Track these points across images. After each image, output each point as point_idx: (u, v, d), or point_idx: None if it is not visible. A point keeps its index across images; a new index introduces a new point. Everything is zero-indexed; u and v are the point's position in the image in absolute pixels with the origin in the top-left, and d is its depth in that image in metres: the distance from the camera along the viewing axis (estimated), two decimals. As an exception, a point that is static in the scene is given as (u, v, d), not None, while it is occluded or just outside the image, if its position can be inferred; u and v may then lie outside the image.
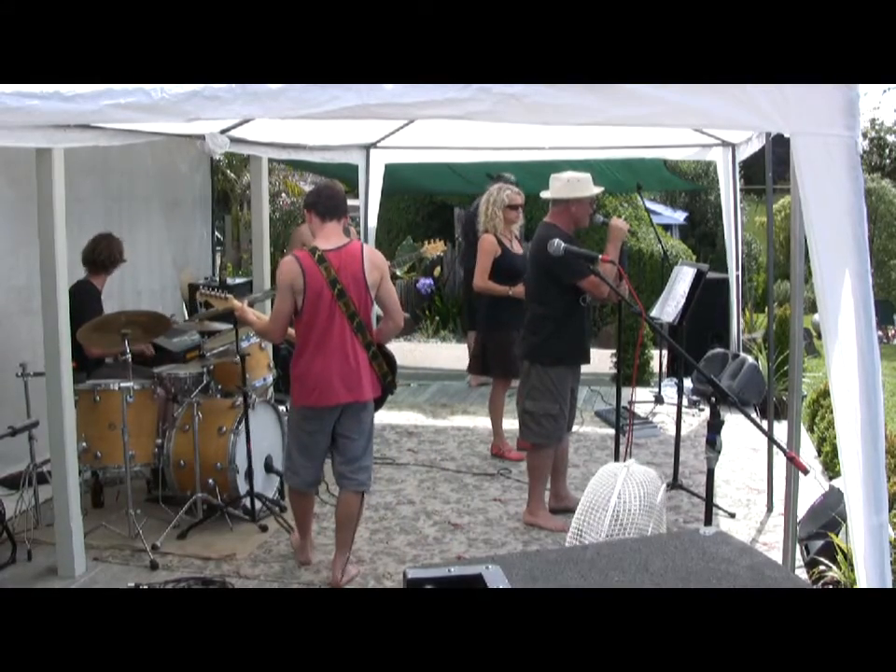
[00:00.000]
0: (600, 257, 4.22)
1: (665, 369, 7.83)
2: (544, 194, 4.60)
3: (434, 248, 6.25)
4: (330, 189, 4.01)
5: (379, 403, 4.09)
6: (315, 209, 3.90)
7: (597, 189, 4.60)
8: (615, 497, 2.81)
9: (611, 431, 5.07)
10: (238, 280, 8.19)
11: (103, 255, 5.09)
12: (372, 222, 7.77)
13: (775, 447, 3.51)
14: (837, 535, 3.65)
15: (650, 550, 1.82)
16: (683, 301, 5.12)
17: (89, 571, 4.13)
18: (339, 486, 4.06)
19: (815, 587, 3.53)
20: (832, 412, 2.47)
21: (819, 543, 3.88)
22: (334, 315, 3.79)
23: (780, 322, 6.69)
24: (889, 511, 2.36)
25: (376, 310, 4.02)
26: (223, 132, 5.25)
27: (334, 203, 3.90)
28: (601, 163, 7.02)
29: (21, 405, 4.39)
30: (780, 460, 4.25)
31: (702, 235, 13.75)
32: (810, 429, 6.23)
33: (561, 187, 4.50)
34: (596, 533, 2.65)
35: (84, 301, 4.83)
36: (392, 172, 7.70)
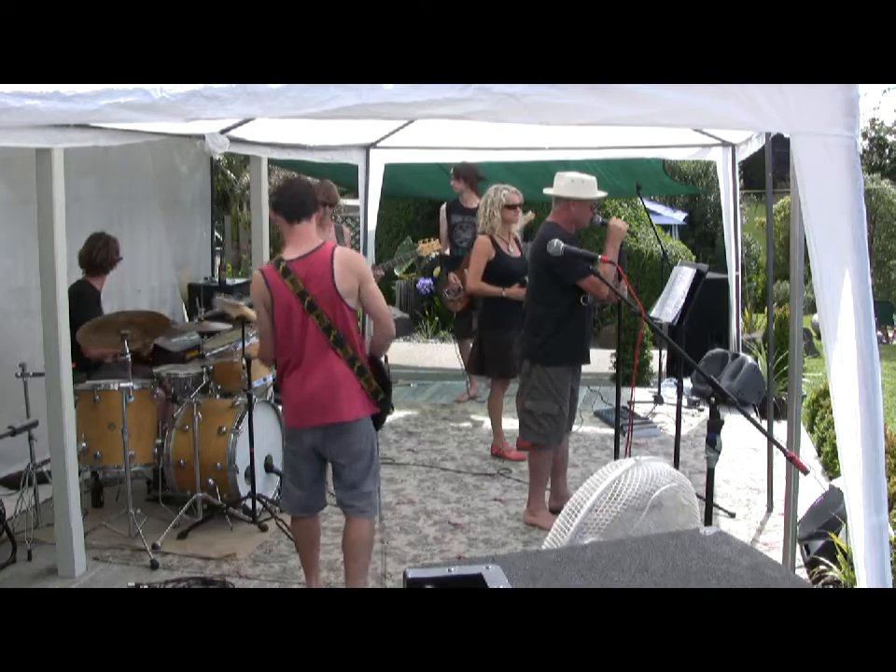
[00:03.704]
0: (599, 257, 4.22)
1: (664, 369, 7.83)
2: (547, 190, 4.60)
3: (429, 247, 6.27)
4: (295, 186, 3.63)
5: (376, 423, 3.68)
6: (280, 211, 3.54)
7: (600, 194, 4.61)
8: (602, 487, 2.71)
9: (611, 431, 5.07)
10: (237, 280, 8.19)
11: (100, 257, 5.08)
12: (372, 222, 7.78)
13: (775, 447, 3.51)
14: (837, 535, 3.65)
15: (650, 550, 1.82)
16: (683, 301, 5.12)
17: (89, 571, 4.14)
18: (343, 513, 3.75)
19: (815, 587, 3.53)
20: (831, 412, 2.47)
21: (820, 543, 3.88)
22: (307, 329, 3.45)
23: (780, 322, 6.69)
24: (889, 511, 2.36)
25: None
26: (223, 132, 5.26)
27: (300, 201, 3.53)
28: (600, 168, 7.01)
29: (21, 405, 4.39)
30: (780, 460, 4.25)
31: (701, 235, 13.76)
32: (810, 429, 6.23)
33: (564, 186, 4.51)
34: (574, 513, 2.57)
35: (82, 301, 4.83)
36: (391, 177, 7.71)
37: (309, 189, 3.67)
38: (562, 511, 2.30)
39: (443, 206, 7.31)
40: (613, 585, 1.67)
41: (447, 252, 7.10)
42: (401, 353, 9.19)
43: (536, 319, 4.57)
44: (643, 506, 2.28)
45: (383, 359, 3.87)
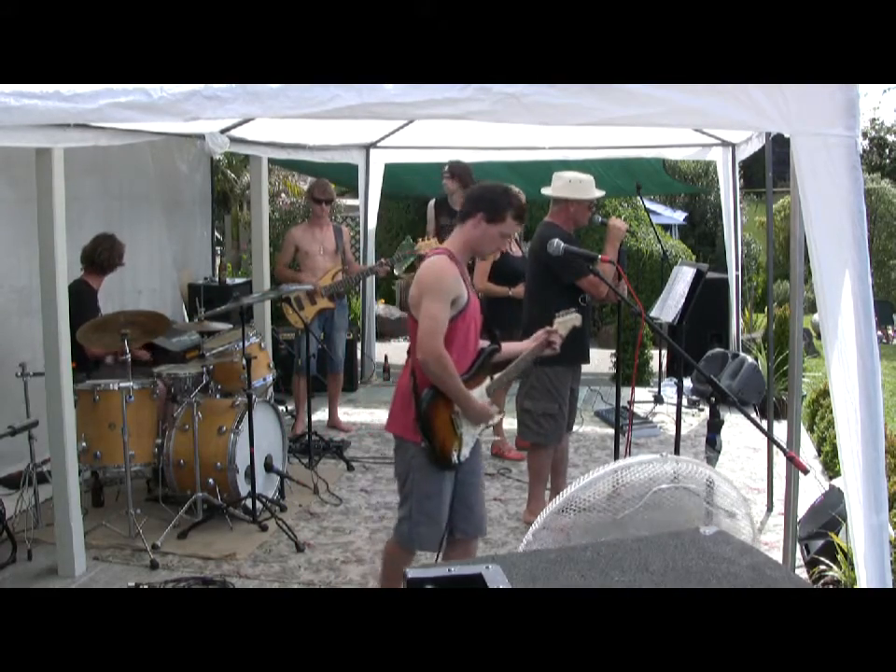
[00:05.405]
0: (599, 257, 4.22)
1: (664, 369, 7.83)
2: (545, 190, 4.60)
3: (426, 245, 6.25)
4: (475, 189, 3.38)
5: (434, 458, 3.25)
6: None
7: (598, 193, 4.60)
8: (597, 475, 2.61)
9: (611, 431, 5.06)
10: (237, 280, 8.19)
11: (102, 256, 5.09)
12: (372, 222, 7.78)
13: (775, 447, 3.51)
14: (837, 534, 3.65)
15: (650, 550, 1.82)
16: (683, 300, 5.12)
17: (89, 571, 4.13)
18: None
19: (815, 587, 3.53)
20: (832, 412, 2.47)
21: (820, 543, 3.88)
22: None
23: (780, 322, 6.69)
24: (889, 511, 2.36)
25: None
26: (223, 131, 5.26)
27: (465, 202, 3.32)
28: (600, 167, 7.01)
29: (21, 405, 4.39)
30: (780, 460, 4.25)
31: (701, 235, 13.75)
32: (810, 429, 6.23)
33: (562, 186, 4.51)
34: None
35: (80, 301, 4.81)
36: (391, 176, 7.69)
37: (478, 195, 3.28)
38: (552, 501, 2.30)
39: (431, 203, 6.86)
40: (613, 585, 1.67)
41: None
42: (401, 351, 9.18)
43: (534, 319, 4.56)
44: (637, 502, 2.28)
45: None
